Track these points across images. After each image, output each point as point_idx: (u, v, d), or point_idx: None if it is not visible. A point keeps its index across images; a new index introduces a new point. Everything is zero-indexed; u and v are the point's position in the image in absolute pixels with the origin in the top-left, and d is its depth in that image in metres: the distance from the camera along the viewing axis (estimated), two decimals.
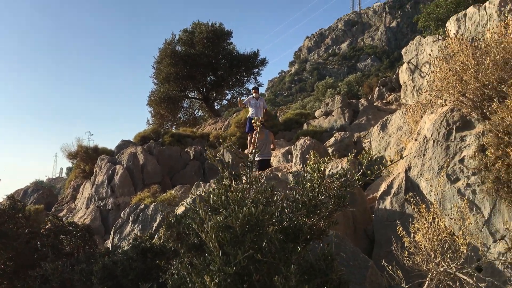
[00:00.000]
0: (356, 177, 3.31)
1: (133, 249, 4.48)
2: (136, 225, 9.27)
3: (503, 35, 5.44)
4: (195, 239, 3.00)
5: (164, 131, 22.10)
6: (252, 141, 10.07)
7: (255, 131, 12.63)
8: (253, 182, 3.03)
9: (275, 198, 2.87)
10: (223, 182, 3.01)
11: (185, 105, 30.17)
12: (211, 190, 3.00)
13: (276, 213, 2.67)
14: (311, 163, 3.08)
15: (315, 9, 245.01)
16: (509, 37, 5.28)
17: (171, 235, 3.15)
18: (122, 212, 10.35)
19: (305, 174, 3.19)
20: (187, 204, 3.45)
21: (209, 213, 2.61)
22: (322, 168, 2.96)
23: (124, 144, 19.10)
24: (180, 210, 7.12)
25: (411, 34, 75.48)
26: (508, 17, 5.58)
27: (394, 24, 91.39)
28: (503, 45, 5.25)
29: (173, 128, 28.25)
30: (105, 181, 15.88)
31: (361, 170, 3.61)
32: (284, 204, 2.90)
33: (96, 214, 15.17)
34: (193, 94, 30.05)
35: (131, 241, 4.93)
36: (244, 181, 3.20)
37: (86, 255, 5.32)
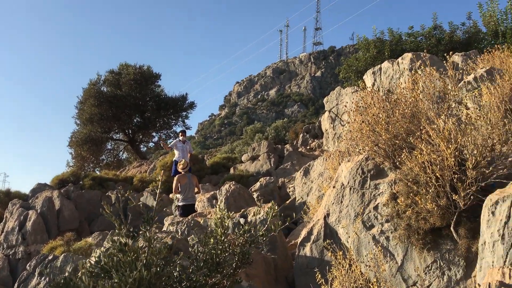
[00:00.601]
0: (272, 227, 3.29)
1: None
2: (43, 279, 8.52)
3: (412, 90, 5.85)
4: None
5: (84, 174, 21.11)
6: (175, 185, 9.85)
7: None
8: (150, 241, 2.83)
9: (175, 257, 2.73)
10: (118, 240, 2.83)
11: (109, 147, 29.24)
12: (103, 249, 2.79)
13: (175, 274, 2.54)
14: (215, 217, 3.01)
15: (245, 56, 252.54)
16: (417, 92, 5.69)
17: None
18: (28, 264, 9.54)
19: (209, 229, 3.11)
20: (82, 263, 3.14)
21: (98, 276, 2.42)
22: (226, 224, 2.90)
23: (40, 188, 17.92)
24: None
25: (335, 83, 79.64)
26: (416, 75, 6.03)
27: (319, 73, 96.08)
28: (411, 99, 5.64)
29: (96, 171, 27.14)
30: (16, 228, 14.69)
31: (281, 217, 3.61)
32: (185, 264, 2.77)
33: (4, 263, 13.90)
34: (118, 135, 29.23)
35: None
36: (141, 239, 2.97)
37: None
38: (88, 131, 26.18)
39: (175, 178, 10.04)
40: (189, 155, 12.99)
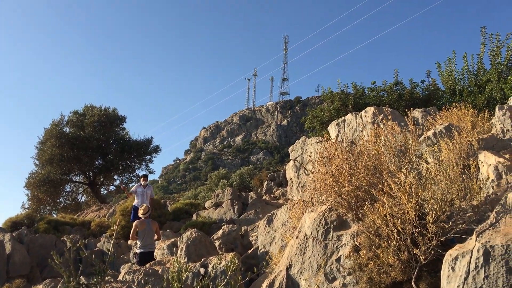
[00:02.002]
0: (232, 282, 3.16)
1: None
2: None
3: (374, 143, 5.98)
4: None
5: (40, 216, 20.20)
6: (133, 230, 9.54)
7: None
8: None
9: None
10: None
11: (67, 189, 28.29)
12: None
13: None
14: (172, 270, 2.89)
15: (213, 102, 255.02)
16: (379, 145, 5.81)
17: None
18: None
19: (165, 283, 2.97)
20: None
21: None
22: (183, 277, 2.78)
23: None
24: None
25: (300, 132, 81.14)
26: (378, 128, 6.18)
27: (285, 122, 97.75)
28: (373, 152, 5.75)
29: (52, 214, 26.06)
30: None
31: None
32: None
33: None
34: (78, 178, 28.39)
35: None
36: None
37: None
38: (47, 172, 25.33)
39: (134, 224, 9.73)
40: (149, 200, 12.74)
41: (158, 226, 10.60)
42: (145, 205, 10.47)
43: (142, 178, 13.19)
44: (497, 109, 7.41)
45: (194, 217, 17.06)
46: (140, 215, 9.82)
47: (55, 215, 24.41)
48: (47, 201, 26.61)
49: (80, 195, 29.54)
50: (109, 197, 32.76)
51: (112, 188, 30.76)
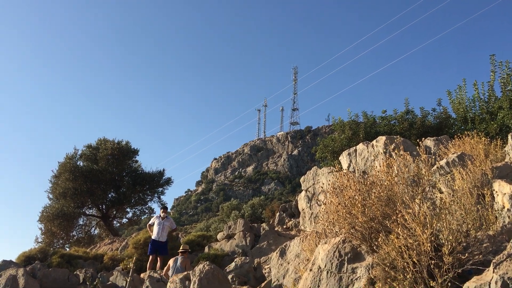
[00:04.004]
0: None
1: None
2: None
3: (386, 173, 5.96)
4: None
5: (53, 250, 20.19)
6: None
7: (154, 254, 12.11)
8: None
9: None
10: None
11: (80, 223, 28.30)
12: None
13: None
14: None
15: (223, 133, 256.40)
16: (391, 176, 5.79)
17: None
18: None
19: None
20: None
21: None
22: None
23: (5, 265, 16.95)
24: None
25: (311, 162, 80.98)
26: (390, 158, 6.17)
27: (295, 152, 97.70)
28: (386, 183, 5.73)
29: (65, 247, 26.03)
30: None
31: None
32: None
33: None
34: (91, 211, 28.44)
35: None
36: None
37: None
38: (60, 206, 25.42)
39: (169, 261, 10.13)
40: (171, 230, 12.82)
41: (189, 263, 10.73)
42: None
43: (161, 210, 13.21)
44: (509, 137, 7.37)
45: (206, 249, 16.94)
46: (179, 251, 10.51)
47: (68, 249, 24.39)
48: (61, 235, 26.61)
49: (93, 228, 29.51)
50: (122, 230, 32.68)
51: (124, 220, 30.75)
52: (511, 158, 7.13)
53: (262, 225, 17.11)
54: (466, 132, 8.78)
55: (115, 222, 30.00)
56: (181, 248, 10.44)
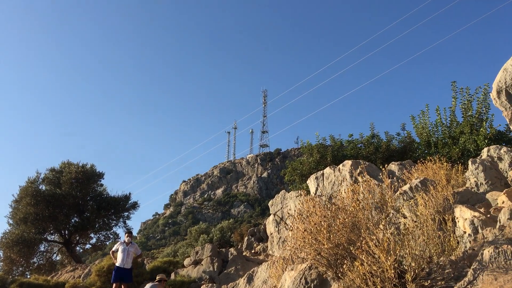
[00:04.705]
0: None
1: None
2: None
3: (352, 199, 5.99)
4: None
5: (12, 278, 19.30)
6: None
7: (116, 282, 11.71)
8: None
9: None
10: None
11: (42, 249, 27.21)
12: None
13: None
14: None
15: (193, 156, 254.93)
16: (356, 202, 5.82)
17: None
18: None
19: None
20: None
21: None
22: None
23: None
24: None
25: (281, 184, 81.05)
26: (355, 185, 6.22)
27: (265, 174, 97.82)
28: (351, 209, 5.75)
29: (25, 275, 24.93)
30: None
31: None
32: None
33: None
34: (53, 236, 27.43)
35: None
36: None
37: None
38: (20, 232, 24.46)
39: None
40: (133, 257, 12.36)
41: None
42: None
43: (126, 235, 12.75)
44: (470, 163, 7.57)
45: (172, 276, 16.54)
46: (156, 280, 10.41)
47: (28, 277, 23.38)
48: (20, 262, 25.49)
49: (55, 255, 28.43)
50: (85, 256, 31.61)
51: (88, 246, 29.79)
52: (471, 184, 7.30)
53: (230, 249, 16.88)
54: (429, 157, 8.97)
55: (78, 248, 29.03)
56: (158, 277, 10.28)
